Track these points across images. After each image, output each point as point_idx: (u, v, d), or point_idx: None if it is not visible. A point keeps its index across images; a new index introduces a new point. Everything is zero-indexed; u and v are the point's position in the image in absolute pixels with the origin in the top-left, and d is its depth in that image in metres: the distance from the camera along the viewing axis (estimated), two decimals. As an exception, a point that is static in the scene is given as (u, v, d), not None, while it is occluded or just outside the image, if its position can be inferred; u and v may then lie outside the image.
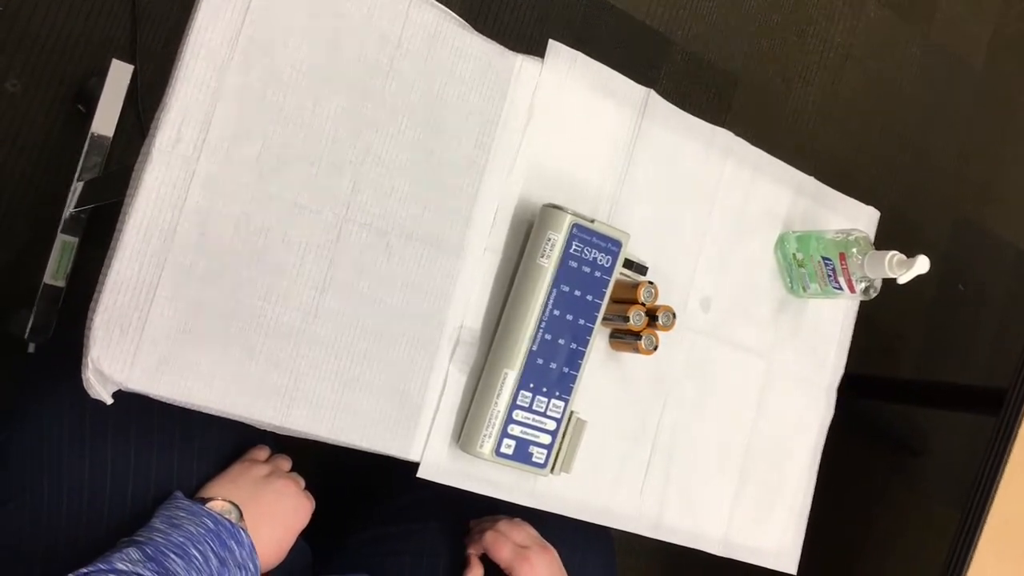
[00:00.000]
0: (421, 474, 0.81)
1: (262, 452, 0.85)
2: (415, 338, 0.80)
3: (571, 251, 0.81)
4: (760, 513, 1.00)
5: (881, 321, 1.87)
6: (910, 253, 0.89)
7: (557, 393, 0.82)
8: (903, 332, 2.01)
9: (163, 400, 0.71)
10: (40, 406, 0.76)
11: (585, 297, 0.82)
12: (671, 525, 0.94)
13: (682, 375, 0.94)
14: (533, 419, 0.82)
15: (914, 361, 2.04)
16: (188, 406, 0.72)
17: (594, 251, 0.82)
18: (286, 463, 0.86)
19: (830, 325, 1.05)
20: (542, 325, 0.81)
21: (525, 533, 0.90)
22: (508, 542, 0.88)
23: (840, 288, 0.94)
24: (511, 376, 0.80)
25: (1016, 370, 1.29)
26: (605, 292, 0.83)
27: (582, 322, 0.83)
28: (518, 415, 0.81)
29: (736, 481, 0.99)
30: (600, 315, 0.84)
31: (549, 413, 0.82)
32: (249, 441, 0.85)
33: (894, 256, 0.89)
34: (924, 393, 1.80)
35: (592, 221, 0.82)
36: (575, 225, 0.81)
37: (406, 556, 0.92)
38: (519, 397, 0.81)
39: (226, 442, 0.83)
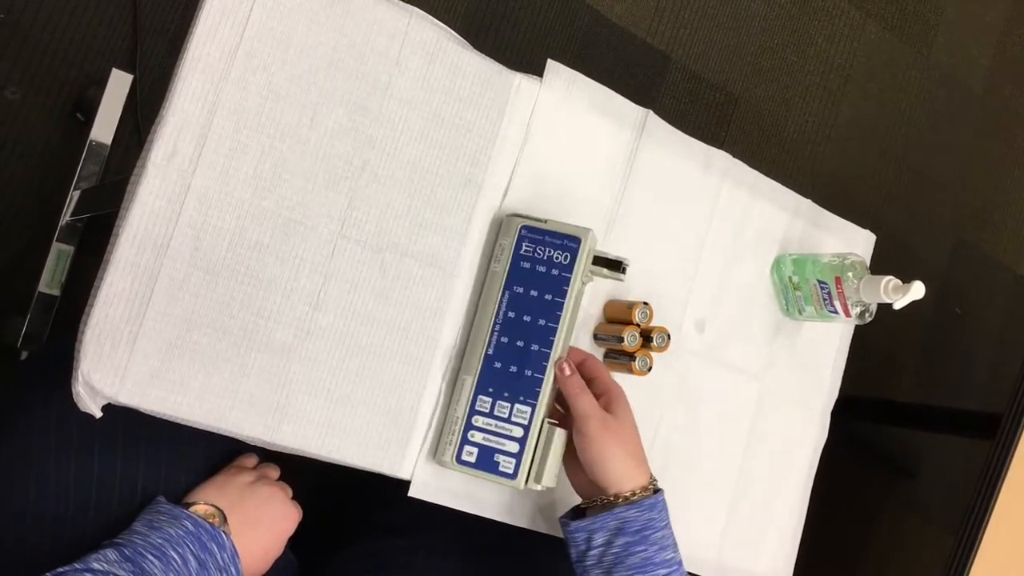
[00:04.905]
0: (412, 493, 0.81)
1: (250, 460, 0.85)
2: (408, 356, 0.80)
3: (521, 252, 0.81)
4: (753, 535, 1.00)
5: (877, 343, 1.87)
6: (907, 275, 0.89)
7: (521, 398, 0.80)
8: (899, 354, 2.01)
9: (153, 414, 0.71)
10: (30, 413, 0.76)
11: (543, 297, 0.81)
12: (663, 547, 0.93)
13: (676, 396, 0.94)
14: (496, 425, 0.80)
15: (909, 383, 2.03)
16: (178, 421, 0.71)
17: (548, 249, 0.81)
18: (274, 471, 0.86)
19: (825, 348, 1.05)
20: (496, 328, 0.81)
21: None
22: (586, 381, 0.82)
23: (836, 312, 0.94)
24: (468, 381, 0.80)
25: (1011, 395, 1.29)
26: (567, 290, 0.81)
27: (543, 322, 0.81)
28: (478, 421, 0.80)
29: (729, 503, 0.98)
30: (565, 313, 0.81)
31: (514, 419, 0.80)
32: (238, 452, 0.85)
33: (890, 281, 0.89)
34: (919, 416, 1.80)
35: (544, 221, 0.82)
36: (523, 227, 0.81)
37: (396, 573, 0.92)
38: (477, 403, 0.80)
39: (214, 453, 0.82)
